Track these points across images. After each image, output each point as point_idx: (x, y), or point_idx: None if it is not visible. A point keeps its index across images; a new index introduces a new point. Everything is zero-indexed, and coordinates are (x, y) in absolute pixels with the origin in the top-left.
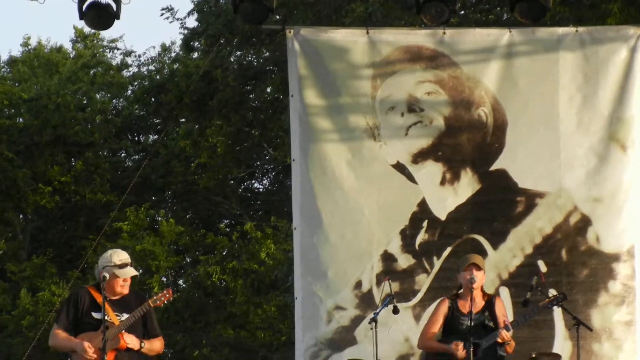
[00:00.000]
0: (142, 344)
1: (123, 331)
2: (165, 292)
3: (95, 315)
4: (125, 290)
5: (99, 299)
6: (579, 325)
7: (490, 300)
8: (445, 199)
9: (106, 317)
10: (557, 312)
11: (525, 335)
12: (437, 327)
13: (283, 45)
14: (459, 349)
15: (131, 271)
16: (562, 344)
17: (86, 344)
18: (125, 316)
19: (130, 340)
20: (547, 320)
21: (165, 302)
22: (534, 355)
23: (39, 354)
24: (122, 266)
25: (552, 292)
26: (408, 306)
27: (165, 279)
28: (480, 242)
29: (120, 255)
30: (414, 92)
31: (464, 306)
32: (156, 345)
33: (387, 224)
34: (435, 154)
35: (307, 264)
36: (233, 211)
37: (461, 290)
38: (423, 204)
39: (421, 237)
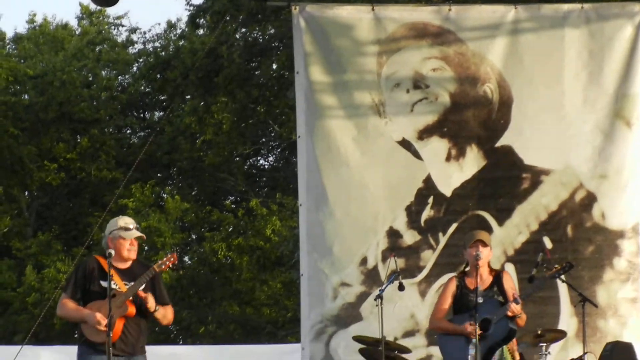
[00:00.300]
0: (157, 307)
1: (149, 296)
2: (169, 256)
3: (104, 284)
4: (133, 255)
5: (107, 267)
6: (584, 302)
7: (497, 275)
8: (450, 175)
9: (114, 286)
10: (563, 288)
11: (531, 312)
12: (446, 307)
13: (289, 22)
14: (471, 329)
15: (136, 232)
16: (567, 320)
17: (98, 315)
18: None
19: (150, 300)
20: (553, 297)
21: (170, 265)
22: (539, 332)
23: (44, 331)
24: (127, 228)
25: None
26: (413, 282)
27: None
28: (486, 218)
29: (125, 219)
30: (420, 68)
31: (471, 283)
32: (168, 312)
33: (392, 201)
34: (441, 130)
35: (312, 241)
36: (239, 188)
37: (468, 268)
38: (428, 180)
39: (427, 213)
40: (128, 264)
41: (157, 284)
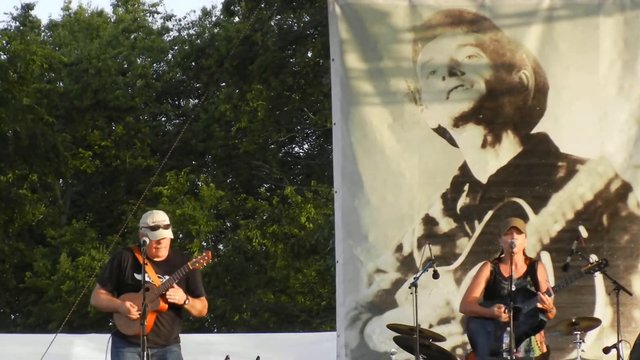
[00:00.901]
0: (187, 300)
1: (174, 285)
2: (204, 254)
3: (138, 276)
4: (161, 253)
5: (141, 259)
6: (619, 290)
7: (532, 265)
8: (486, 162)
9: (148, 279)
10: (598, 278)
11: (566, 301)
12: (479, 291)
13: (324, 9)
14: (502, 312)
15: (161, 233)
16: (602, 310)
17: (129, 304)
18: (167, 278)
19: (177, 295)
20: (588, 286)
21: (205, 264)
22: (574, 320)
23: (78, 319)
24: (155, 228)
25: (594, 257)
26: (449, 270)
27: (205, 244)
28: (522, 205)
29: (155, 217)
30: (455, 55)
31: (505, 270)
32: (198, 304)
33: (428, 188)
34: (477, 117)
35: (348, 228)
36: (273, 175)
37: (503, 255)
38: (464, 168)
39: (462, 200)
40: (163, 257)
41: (191, 277)
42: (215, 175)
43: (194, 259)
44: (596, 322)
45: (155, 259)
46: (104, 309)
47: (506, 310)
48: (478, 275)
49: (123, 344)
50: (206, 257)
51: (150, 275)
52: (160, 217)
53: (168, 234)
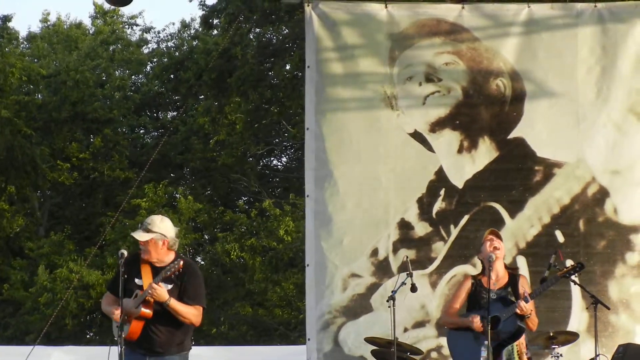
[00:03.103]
0: (168, 300)
1: (154, 285)
2: (176, 263)
3: (137, 281)
4: (147, 255)
5: (143, 265)
6: (596, 305)
7: (514, 276)
8: (462, 166)
9: (140, 283)
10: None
11: (544, 306)
12: (458, 303)
13: (302, 22)
14: (476, 321)
15: (136, 233)
16: (578, 315)
17: (113, 309)
18: (162, 284)
19: (157, 292)
20: (565, 291)
21: (175, 273)
22: (551, 334)
23: (56, 331)
24: (137, 228)
25: (569, 262)
26: (424, 274)
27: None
28: (498, 210)
29: (148, 218)
30: (433, 62)
31: (487, 281)
32: (185, 309)
33: (404, 193)
34: (453, 123)
35: (321, 232)
36: (252, 188)
37: (484, 270)
38: (440, 172)
39: (438, 205)
40: (165, 263)
41: (187, 281)
42: (193, 188)
43: (167, 267)
44: (573, 337)
45: (156, 263)
46: (106, 313)
47: (479, 319)
48: (459, 288)
49: (127, 350)
50: (176, 266)
51: (145, 281)
52: (148, 219)
53: (141, 236)
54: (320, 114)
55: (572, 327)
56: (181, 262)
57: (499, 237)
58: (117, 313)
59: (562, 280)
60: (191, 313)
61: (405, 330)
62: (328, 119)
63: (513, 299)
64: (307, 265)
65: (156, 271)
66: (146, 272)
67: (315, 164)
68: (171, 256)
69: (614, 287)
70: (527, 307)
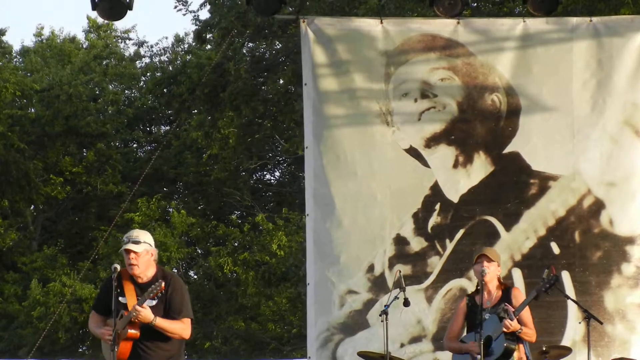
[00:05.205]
0: (154, 320)
1: (138, 307)
2: (157, 284)
3: (121, 299)
4: (134, 271)
5: (125, 282)
6: (589, 319)
7: (507, 291)
8: (457, 181)
9: (124, 301)
10: (570, 293)
11: (539, 316)
12: (457, 326)
13: (295, 37)
14: (474, 347)
15: (130, 246)
16: (574, 325)
17: (103, 330)
18: (147, 302)
19: (142, 313)
20: (560, 302)
21: (158, 294)
22: (544, 349)
23: (49, 345)
24: (124, 242)
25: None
26: (420, 288)
27: (176, 271)
28: (493, 223)
29: (129, 233)
30: (428, 78)
31: (480, 300)
32: (172, 325)
33: (399, 208)
34: (448, 138)
35: (319, 250)
36: (244, 203)
37: (479, 287)
38: (435, 187)
39: (434, 220)
40: (148, 278)
41: (170, 296)
42: (186, 202)
43: (150, 289)
44: (566, 351)
45: (139, 280)
46: (93, 333)
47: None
48: (456, 311)
49: None
50: (158, 287)
51: (129, 299)
52: (133, 233)
53: (129, 245)
54: (317, 132)
55: (568, 336)
56: (162, 284)
57: (489, 259)
58: (106, 334)
59: (556, 291)
60: (179, 327)
61: (402, 345)
62: (325, 137)
63: (505, 315)
64: (308, 284)
65: (139, 287)
66: (129, 289)
67: (314, 182)
68: (153, 269)
69: (610, 297)
70: (513, 324)
